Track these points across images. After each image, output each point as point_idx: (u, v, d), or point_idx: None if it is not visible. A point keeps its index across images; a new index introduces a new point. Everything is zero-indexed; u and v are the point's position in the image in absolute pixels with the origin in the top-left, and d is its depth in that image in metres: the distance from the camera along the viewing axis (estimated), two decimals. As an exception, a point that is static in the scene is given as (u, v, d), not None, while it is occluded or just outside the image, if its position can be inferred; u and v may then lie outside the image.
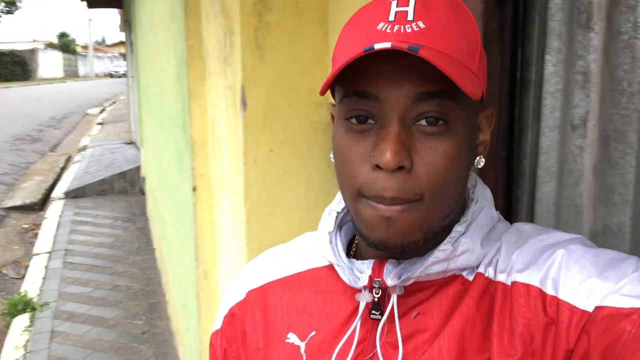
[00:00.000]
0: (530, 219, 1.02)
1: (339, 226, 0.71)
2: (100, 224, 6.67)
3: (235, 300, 0.77)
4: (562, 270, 0.57)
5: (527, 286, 0.58)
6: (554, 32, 0.99)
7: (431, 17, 0.57)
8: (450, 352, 0.59)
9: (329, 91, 0.63)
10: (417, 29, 0.56)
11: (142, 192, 7.66)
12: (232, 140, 1.89)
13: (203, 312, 2.35)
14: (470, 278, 0.62)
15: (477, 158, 0.65)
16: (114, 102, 21.71)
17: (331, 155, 0.67)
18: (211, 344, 0.79)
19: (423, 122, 0.57)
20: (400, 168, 0.56)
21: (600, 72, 0.92)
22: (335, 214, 0.71)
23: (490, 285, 0.61)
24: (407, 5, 0.57)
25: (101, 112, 18.70)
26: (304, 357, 0.67)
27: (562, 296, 0.55)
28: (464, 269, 0.63)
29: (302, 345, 0.67)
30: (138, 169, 8.18)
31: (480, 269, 0.63)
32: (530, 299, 0.57)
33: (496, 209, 1.04)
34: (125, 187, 8.18)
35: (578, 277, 0.55)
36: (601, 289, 0.53)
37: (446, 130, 0.57)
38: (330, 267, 0.69)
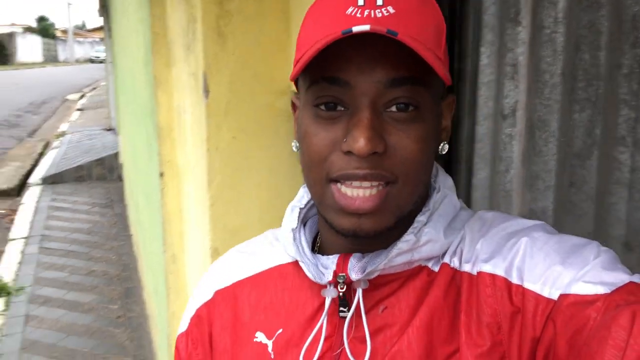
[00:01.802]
0: (468, 204, 1.06)
1: (303, 222, 0.71)
2: (78, 210, 6.64)
3: (202, 300, 0.75)
4: (527, 258, 0.57)
5: (493, 276, 0.58)
6: (488, 25, 1.03)
7: (400, 2, 0.57)
8: (419, 344, 0.59)
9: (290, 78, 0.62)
10: (388, 14, 0.55)
11: (120, 179, 7.63)
12: (195, 127, 1.92)
13: (172, 296, 2.38)
14: (436, 269, 0.62)
15: (442, 144, 0.65)
16: (94, 88, 21.44)
17: (294, 144, 0.67)
18: (176, 347, 0.77)
19: (394, 108, 0.57)
20: (374, 153, 0.56)
21: (527, 64, 0.96)
22: (299, 210, 0.70)
23: (456, 276, 0.61)
24: None
25: (81, 98, 18.46)
26: (272, 355, 0.66)
27: (527, 285, 0.56)
28: (429, 260, 0.63)
29: (270, 343, 0.67)
30: (116, 155, 8.13)
31: (446, 259, 0.62)
32: (497, 289, 0.57)
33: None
34: (103, 174, 8.14)
35: (542, 265, 0.56)
36: (565, 277, 0.54)
37: (416, 115, 0.57)
38: (296, 263, 0.68)
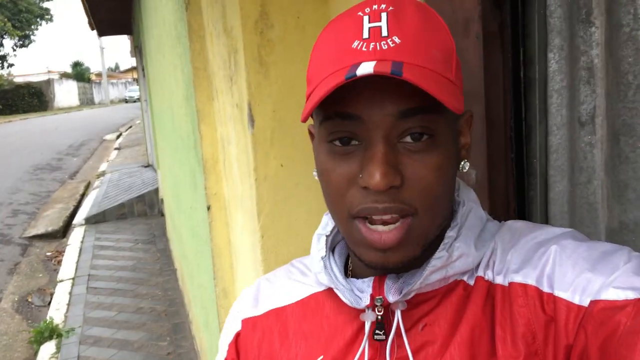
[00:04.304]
0: (545, 219, 1.00)
1: (331, 248, 0.71)
2: (122, 248, 6.73)
3: (234, 332, 0.75)
4: (556, 266, 0.57)
5: (525, 286, 0.58)
6: (555, 29, 0.98)
7: (405, 30, 0.56)
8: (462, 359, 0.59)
9: None
10: (394, 45, 0.55)
11: (162, 214, 7.72)
12: (242, 158, 1.90)
13: (224, 331, 2.35)
14: (471, 282, 0.62)
15: (462, 163, 0.65)
16: (130, 127, 21.99)
17: (314, 173, 0.66)
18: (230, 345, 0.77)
19: (408, 138, 0.57)
20: (391, 187, 0.56)
21: (604, 67, 0.90)
22: (325, 238, 0.70)
23: (490, 288, 0.61)
24: (380, 21, 0.56)
25: (118, 137, 18.95)
26: None
27: (557, 293, 0.56)
28: (463, 273, 0.63)
29: None
30: (156, 191, 8.26)
31: (480, 272, 0.63)
32: (529, 299, 0.57)
33: (508, 211, 1.02)
34: (144, 210, 8.26)
35: (572, 273, 0.56)
36: (595, 283, 0.54)
37: (432, 143, 0.57)
38: (330, 291, 0.69)
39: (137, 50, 9.44)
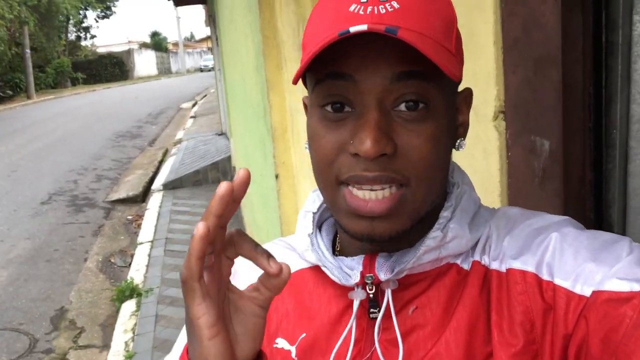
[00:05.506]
0: (624, 194, 0.95)
1: (318, 225, 0.69)
2: (197, 213, 6.98)
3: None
4: (557, 254, 0.56)
5: (523, 272, 0.57)
6: (643, -12, 0.90)
7: None
8: (459, 346, 0.57)
9: None
10: (392, 9, 0.54)
11: (234, 181, 7.91)
12: (310, 127, 1.91)
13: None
14: (466, 266, 0.61)
15: (459, 141, 0.63)
16: (205, 96, 22.56)
17: (305, 146, 0.65)
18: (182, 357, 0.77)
19: (402, 107, 0.55)
20: (382, 155, 0.54)
21: (698, 29, 0.83)
22: (312, 215, 0.69)
23: (487, 273, 0.60)
24: None
25: (193, 105, 19.50)
26: None
27: (557, 281, 0.54)
28: (456, 257, 0.61)
29: (293, 349, 0.65)
30: (229, 158, 8.47)
31: (476, 257, 0.61)
32: (528, 286, 0.56)
33: (584, 184, 0.97)
34: (218, 177, 8.51)
35: (573, 261, 0.54)
36: (597, 273, 0.52)
37: (427, 114, 0.55)
38: (315, 268, 0.67)
39: (212, 19, 9.61)
